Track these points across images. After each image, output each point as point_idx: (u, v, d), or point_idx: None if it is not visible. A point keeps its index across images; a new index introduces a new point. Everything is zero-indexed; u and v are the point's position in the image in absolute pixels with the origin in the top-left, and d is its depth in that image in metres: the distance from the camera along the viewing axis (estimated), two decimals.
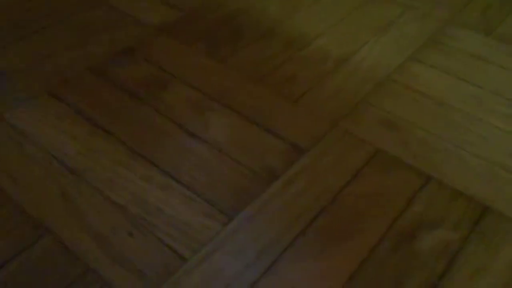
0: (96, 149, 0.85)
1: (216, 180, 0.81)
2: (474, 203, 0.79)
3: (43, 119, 0.90)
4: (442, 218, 0.77)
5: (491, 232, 0.76)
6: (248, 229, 0.74)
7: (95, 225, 0.74)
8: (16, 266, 0.68)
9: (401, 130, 0.91)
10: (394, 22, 1.15)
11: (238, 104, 0.95)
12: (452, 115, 0.94)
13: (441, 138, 0.90)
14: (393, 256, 0.72)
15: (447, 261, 0.72)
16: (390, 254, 0.72)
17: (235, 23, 1.13)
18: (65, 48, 1.05)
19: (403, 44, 1.09)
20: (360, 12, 1.17)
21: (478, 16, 1.18)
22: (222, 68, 1.03)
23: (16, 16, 1.12)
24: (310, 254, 0.72)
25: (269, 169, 0.84)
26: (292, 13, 1.16)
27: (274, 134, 0.90)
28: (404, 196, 0.80)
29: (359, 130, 0.91)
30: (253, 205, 0.78)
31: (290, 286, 0.68)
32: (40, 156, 0.83)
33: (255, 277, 0.69)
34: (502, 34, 1.13)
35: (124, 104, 0.94)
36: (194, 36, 1.10)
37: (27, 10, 1.15)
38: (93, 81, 0.98)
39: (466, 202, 0.79)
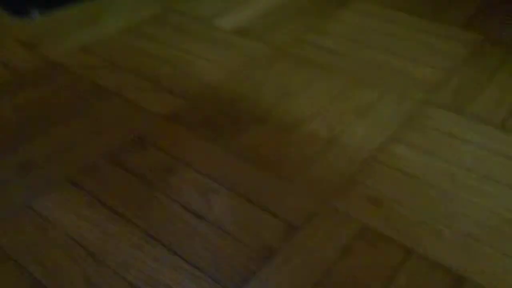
0: (113, 233, 0.95)
1: (220, 258, 0.91)
2: (451, 273, 0.89)
3: (65, 206, 1.00)
4: None
5: None
6: None
7: None
8: None
9: (384, 207, 1.02)
10: (375, 104, 1.29)
11: (238, 185, 1.07)
12: (428, 191, 1.05)
13: (419, 213, 1.01)
14: None
15: None
16: None
17: (233, 109, 1.26)
18: (82, 138, 1.17)
19: (384, 125, 1.22)
20: (344, 97, 1.31)
21: (450, 96, 1.32)
22: (223, 151, 1.15)
23: (35, 112, 1.25)
24: None
25: (267, 246, 0.94)
26: (283, 99, 1.30)
27: (271, 213, 1.01)
28: (388, 268, 0.90)
29: (347, 207, 1.02)
30: (253, 281, 0.88)
31: None
32: (63, 242, 0.93)
33: None
34: (472, 113, 1.27)
35: (136, 189, 1.05)
36: (197, 123, 1.22)
37: (45, 105, 1.28)
38: (108, 168, 1.09)
39: (443, 273, 0.89)
